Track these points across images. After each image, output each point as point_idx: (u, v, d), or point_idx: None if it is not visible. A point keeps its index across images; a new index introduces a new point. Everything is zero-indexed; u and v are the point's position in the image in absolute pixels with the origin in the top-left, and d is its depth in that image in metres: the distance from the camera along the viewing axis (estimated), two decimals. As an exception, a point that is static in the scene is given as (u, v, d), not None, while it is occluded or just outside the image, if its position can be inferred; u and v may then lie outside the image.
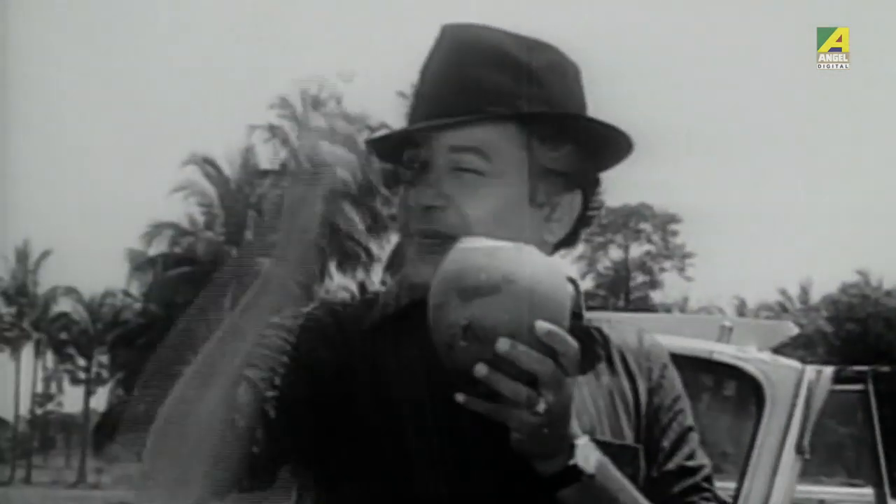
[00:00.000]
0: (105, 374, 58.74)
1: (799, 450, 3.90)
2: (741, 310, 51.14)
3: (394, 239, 46.84)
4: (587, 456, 1.57)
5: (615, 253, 56.00)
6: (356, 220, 48.24)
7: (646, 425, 1.73)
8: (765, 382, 3.98)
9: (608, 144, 1.71)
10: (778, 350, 4.26)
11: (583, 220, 1.74)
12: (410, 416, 1.63)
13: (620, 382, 1.75)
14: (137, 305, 50.54)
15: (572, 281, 1.67)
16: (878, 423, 4.31)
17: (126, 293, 52.63)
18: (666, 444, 1.74)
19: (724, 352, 4.07)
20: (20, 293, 59.99)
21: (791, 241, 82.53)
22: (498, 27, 1.72)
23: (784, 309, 50.60)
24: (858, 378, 4.25)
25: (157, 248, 47.24)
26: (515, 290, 1.47)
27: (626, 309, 47.39)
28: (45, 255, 60.23)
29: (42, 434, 70.36)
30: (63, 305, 60.76)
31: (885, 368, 4.41)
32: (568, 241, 1.75)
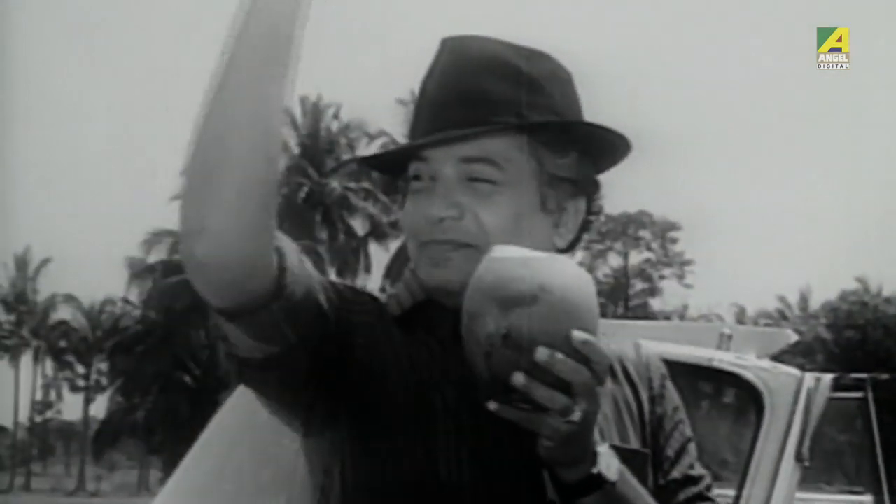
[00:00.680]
0: (104, 381, 58.73)
1: (798, 457, 3.90)
2: (740, 317, 51.15)
3: (393, 246, 46.86)
4: (609, 464, 1.59)
5: (614, 260, 56.11)
6: (355, 227, 48.31)
7: (650, 433, 1.76)
8: (764, 390, 3.98)
9: (609, 148, 1.75)
10: (777, 357, 4.26)
11: (584, 226, 1.77)
12: (437, 401, 1.65)
13: (624, 391, 1.78)
14: (137, 313, 50.55)
15: None
16: (878, 430, 4.31)
17: (125, 301, 52.68)
18: (670, 452, 1.77)
19: (724, 359, 4.07)
20: (20, 301, 60.01)
21: (790, 248, 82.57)
22: (494, 38, 1.73)
23: (783, 316, 50.61)
24: (858, 385, 4.25)
25: (157, 255, 47.32)
26: (551, 300, 1.49)
27: (625, 316, 47.42)
28: (45, 262, 60.31)
29: (41, 441, 70.33)
30: (62, 313, 60.85)
31: (885, 376, 4.41)
32: (570, 247, 1.78)
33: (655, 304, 55.24)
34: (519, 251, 1.55)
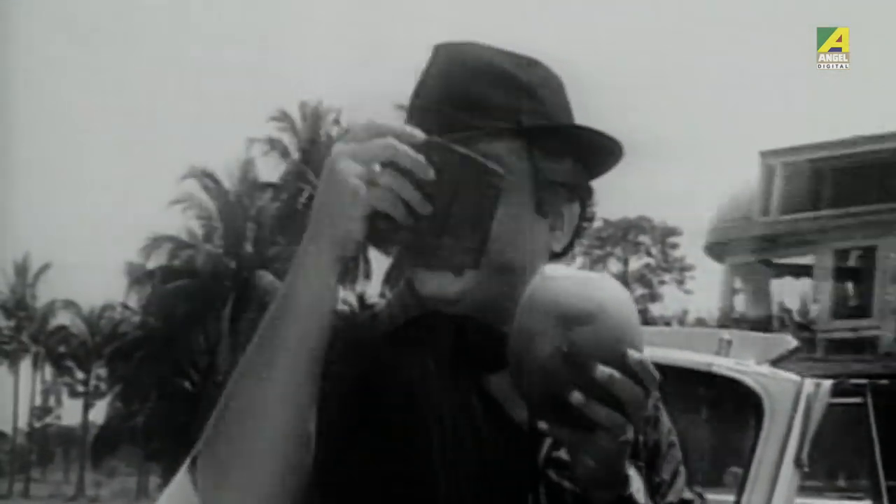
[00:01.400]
0: (104, 386, 58.65)
1: (798, 463, 3.90)
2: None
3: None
4: (638, 487, 1.60)
5: (614, 266, 56.04)
6: (355, 233, 48.09)
7: (645, 458, 1.75)
8: (764, 395, 3.99)
9: (603, 153, 1.75)
10: (776, 363, 4.27)
11: (578, 231, 1.77)
12: (433, 424, 1.64)
13: None
14: (136, 318, 50.43)
15: None
16: (877, 436, 4.31)
17: (125, 306, 52.56)
18: (666, 476, 1.77)
19: (723, 365, 4.08)
20: (19, 306, 59.99)
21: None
22: (487, 44, 1.74)
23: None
24: (857, 391, 4.25)
25: (156, 260, 47.18)
26: (606, 319, 1.51)
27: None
28: (44, 268, 60.29)
29: (40, 447, 70.30)
30: (62, 318, 60.80)
31: (884, 382, 4.41)
32: (565, 251, 1.78)
33: (655, 309, 55.20)
34: (571, 270, 1.57)
